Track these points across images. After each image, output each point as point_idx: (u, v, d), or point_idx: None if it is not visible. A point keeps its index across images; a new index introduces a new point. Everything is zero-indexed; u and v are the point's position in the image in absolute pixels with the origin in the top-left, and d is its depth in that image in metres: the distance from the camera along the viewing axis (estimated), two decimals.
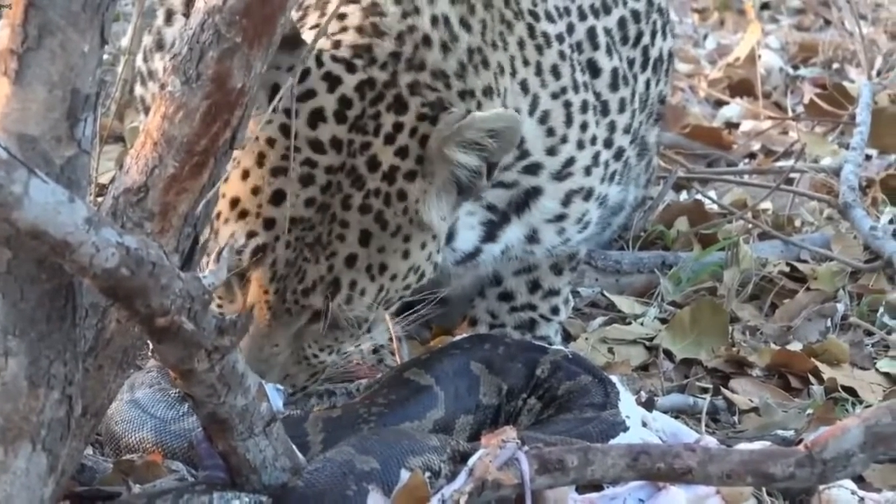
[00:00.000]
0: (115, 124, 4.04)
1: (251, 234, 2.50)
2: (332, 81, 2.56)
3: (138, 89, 3.22)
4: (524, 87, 2.76)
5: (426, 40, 2.62)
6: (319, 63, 2.58)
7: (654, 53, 3.09)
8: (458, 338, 2.83)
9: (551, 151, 2.82)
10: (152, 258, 1.92)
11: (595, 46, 2.91)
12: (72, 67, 1.93)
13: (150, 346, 2.50)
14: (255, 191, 2.50)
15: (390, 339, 2.92)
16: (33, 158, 1.91)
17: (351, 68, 2.57)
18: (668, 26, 3.19)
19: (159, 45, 3.08)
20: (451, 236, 2.75)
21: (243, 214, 2.50)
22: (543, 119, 2.79)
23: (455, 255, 2.82)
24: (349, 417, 2.54)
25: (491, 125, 2.52)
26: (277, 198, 2.49)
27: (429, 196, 2.58)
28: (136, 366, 2.53)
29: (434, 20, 2.63)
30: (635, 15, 3.05)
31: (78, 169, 1.97)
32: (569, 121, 2.82)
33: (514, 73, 2.75)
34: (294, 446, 2.25)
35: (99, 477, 2.42)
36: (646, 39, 3.07)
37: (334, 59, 2.58)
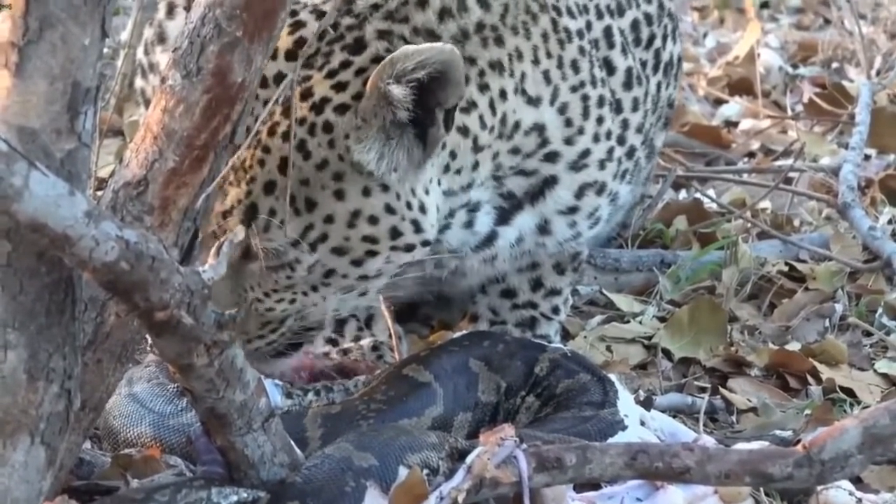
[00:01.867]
0: (114, 118, 4.04)
1: None
2: (295, 26, 2.59)
3: (139, 82, 3.22)
4: (546, 77, 2.79)
5: (421, 2, 2.64)
6: (294, 16, 2.61)
7: (665, 57, 3.12)
8: (457, 335, 2.83)
9: (569, 141, 2.84)
10: (152, 252, 1.92)
11: (611, 45, 2.94)
12: (72, 60, 1.93)
13: (149, 341, 2.50)
14: None
15: (390, 336, 2.92)
16: (34, 151, 1.91)
17: (321, 16, 2.60)
18: (676, 31, 3.21)
19: (161, 38, 3.08)
20: (470, 222, 2.76)
21: None
22: (563, 110, 2.82)
23: (475, 239, 2.83)
24: (348, 413, 2.54)
25: (422, 56, 2.47)
26: None
27: (363, 134, 2.54)
28: (134, 360, 2.53)
29: None
30: (648, 18, 3.08)
31: (78, 162, 1.96)
32: (586, 113, 2.84)
33: (536, 62, 2.77)
34: (292, 442, 2.25)
35: (97, 471, 2.42)
36: (657, 42, 3.10)
37: (310, 10, 2.61)
